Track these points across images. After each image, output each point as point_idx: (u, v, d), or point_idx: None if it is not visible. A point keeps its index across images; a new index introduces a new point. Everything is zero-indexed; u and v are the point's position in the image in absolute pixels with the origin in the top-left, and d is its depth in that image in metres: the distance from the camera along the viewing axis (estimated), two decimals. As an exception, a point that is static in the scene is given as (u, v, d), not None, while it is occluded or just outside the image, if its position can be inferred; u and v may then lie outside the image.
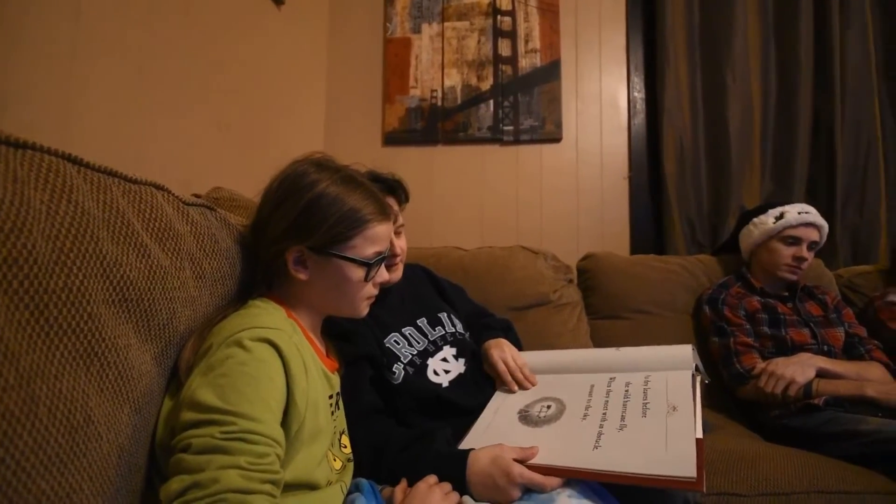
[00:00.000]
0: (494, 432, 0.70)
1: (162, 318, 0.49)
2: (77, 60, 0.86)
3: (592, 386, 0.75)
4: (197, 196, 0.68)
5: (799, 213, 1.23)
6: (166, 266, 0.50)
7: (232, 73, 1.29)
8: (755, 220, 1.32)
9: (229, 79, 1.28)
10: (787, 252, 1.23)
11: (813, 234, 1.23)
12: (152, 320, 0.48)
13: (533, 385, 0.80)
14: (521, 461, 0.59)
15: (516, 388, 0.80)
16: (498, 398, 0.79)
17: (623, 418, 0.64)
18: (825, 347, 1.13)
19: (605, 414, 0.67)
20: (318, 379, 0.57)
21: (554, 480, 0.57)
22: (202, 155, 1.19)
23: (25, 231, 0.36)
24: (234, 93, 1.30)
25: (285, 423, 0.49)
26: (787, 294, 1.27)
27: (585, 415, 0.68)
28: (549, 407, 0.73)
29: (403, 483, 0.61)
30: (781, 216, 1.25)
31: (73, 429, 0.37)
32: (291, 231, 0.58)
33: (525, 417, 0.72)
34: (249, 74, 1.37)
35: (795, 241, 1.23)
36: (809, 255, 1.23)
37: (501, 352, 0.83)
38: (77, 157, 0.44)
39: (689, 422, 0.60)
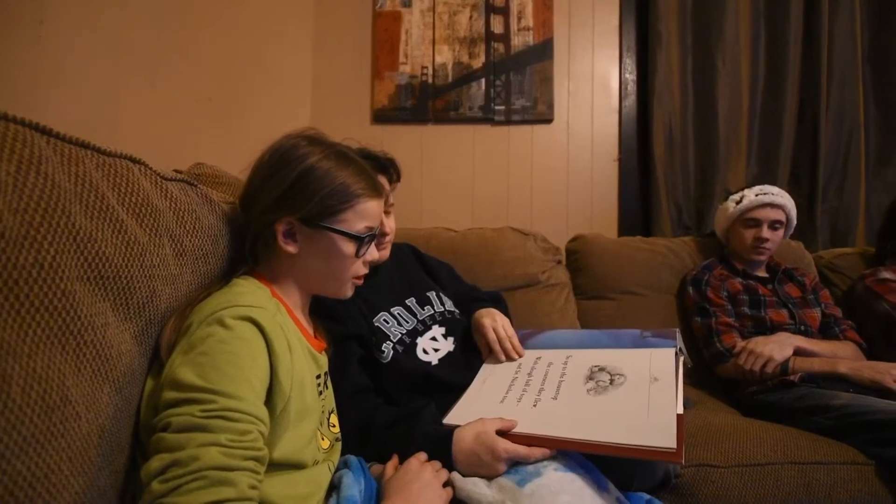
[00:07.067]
0: (482, 404, 0.71)
1: (141, 297, 0.48)
2: (45, 27, 0.81)
3: (581, 359, 0.76)
4: (178, 172, 0.66)
5: (756, 195, 1.24)
6: (144, 242, 0.48)
7: (212, 45, 1.23)
8: (720, 206, 1.34)
9: (209, 50, 1.22)
10: (748, 234, 1.25)
11: (773, 214, 1.23)
12: (131, 298, 0.46)
13: (520, 356, 0.81)
14: (504, 432, 0.60)
15: (503, 357, 0.80)
16: (486, 370, 0.80)
17: (607, 389, 0.66)
18: (802, 327, 1.16)
19: (589, 384, 0.68)
20: (304, 358, 0.57)
21: (538, 451, 0.58)
22: (180, 129, 1.14)
23: (-11, 203, 0.34)
24: (215, 65, 1.24)
25: (270, 401, 0.49)
26: (767, 276, 1.30)
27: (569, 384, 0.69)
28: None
29: (395, 459, 0.61)
30: (741, 200, 1.26)
31: (50, 409, 0.36)
32: (282, 202, 0.57)
33: (512, 388, 0.73)
34: (231, 46, 1.31)
35: (755, 222, 1.24)
36: (773, 235, 1.24)
37: (493, 320, 0.83)
38: (46, 126, 0.42)
39: (670, 395, 0.62)
